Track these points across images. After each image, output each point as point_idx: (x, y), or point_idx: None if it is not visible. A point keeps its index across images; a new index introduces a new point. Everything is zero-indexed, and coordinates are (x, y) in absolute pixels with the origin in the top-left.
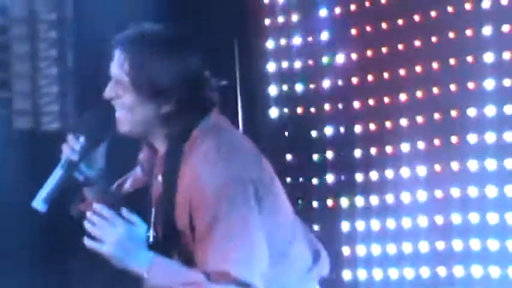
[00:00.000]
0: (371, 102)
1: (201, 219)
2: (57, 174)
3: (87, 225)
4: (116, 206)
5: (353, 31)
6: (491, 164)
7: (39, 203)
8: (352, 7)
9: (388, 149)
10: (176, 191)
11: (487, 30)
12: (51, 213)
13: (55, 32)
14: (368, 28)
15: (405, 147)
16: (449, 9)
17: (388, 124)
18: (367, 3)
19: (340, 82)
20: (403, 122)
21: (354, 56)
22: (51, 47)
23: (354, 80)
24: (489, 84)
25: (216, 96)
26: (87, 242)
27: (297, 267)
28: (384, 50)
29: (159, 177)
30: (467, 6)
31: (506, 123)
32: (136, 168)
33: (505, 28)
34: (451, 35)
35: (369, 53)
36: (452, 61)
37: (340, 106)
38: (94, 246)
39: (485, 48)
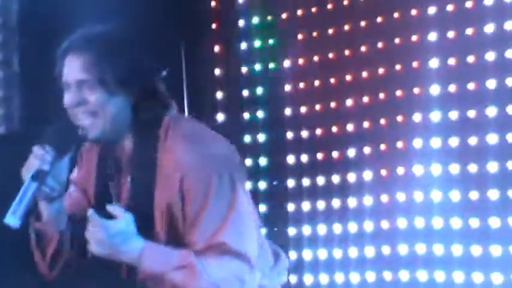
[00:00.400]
0: (317, 107)
1: (192, 199)
2: (29, 187)
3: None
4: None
5: (300, 36)
6: (436, 169)
7: (13, 219)
8: (299, 12)
9: (335, 154)
10: (155, 182)
11: (432, 36)
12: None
13: (0, 35)
14: (314, 33)
15: (351, 152)
16: (396, 15)
17: (334, 129)
18: (313, 9)
19: (287, 87)
20: (350, 127)
21: (300, 61)
22: None
23: (301, 85)
24: (434, 89)
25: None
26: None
27: (266, 261)
28: (331, 55)
29: (129, 176)
30: (413, 12)
31: (452, 129)
32: (69, 191)
33: (450, 34)
34: (397, 40)
35: (316, 58)
36: (398, 66)
37: (286, 111)
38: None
39: (431, 54)
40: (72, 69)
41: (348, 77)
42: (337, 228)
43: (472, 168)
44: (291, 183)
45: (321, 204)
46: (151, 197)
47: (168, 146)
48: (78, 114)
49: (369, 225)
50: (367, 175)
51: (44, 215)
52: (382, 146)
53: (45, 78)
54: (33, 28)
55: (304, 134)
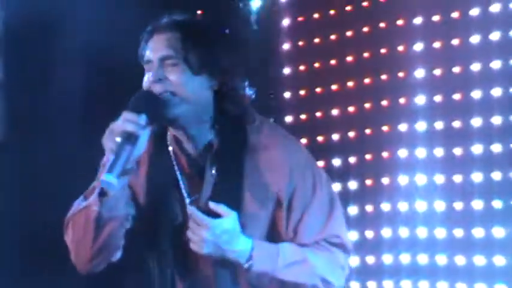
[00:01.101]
0: (303, 116)
1: (300, 195)
2: (123, 148)
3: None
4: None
5: (286, 46)
6: (421, 179)
7: (111, 177)
8: (286, 22)
9: (320, 163)
10: (244, 179)
11: (418, 46)
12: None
13: None
14: (301, 43)
15: (337, 161)
16: (382, 24)
17: (320, 139)
18: (300, 19)
19: (273, 96)
20: (335, 136)
21: (287, 71)
22: None
23: (287, 95)
24: (420, 99)
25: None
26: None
27: None
28: (317, 64)
29: (213, 169)
30: (400, 22)
31: (437, 139)
32: None
33: (436, 44)
34: (383, 50)
35: (302, 67)
36: (383, 76)
37: (272, 120)
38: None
39: (417, 64)
40: (157, 47)
41: (334, 87)
42: None
43: (457, 178)
44: None
45: None
46: (240, 194)
47: (266, 143)
48: (157, 92)
49: (353, 235)
50: (352, 185)
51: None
52: (368, 156)
53: (30, 85)
54: (19, 35)
55: None
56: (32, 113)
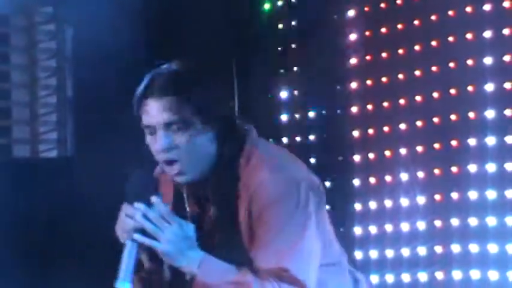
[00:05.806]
0: (370, 131)
1: (262, 220)
2: (132, 249)
3: (140, 219)
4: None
5: (353, 61)
6: (491, 194)
7: (125, 284)
8: (353, 36)
9: (387, 177)
10: (237, 210)
11: (488, 60)
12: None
13: (54, 60)
14: (368, 57)
15: (404, 176)
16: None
17: (387, 153)
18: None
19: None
20: (403, 151)
21: (353, 85)
22: (50, 75)
23: (354, 109)
24: (490, 113)
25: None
26: (139, 237)
27: (347, 281)
28: (384, 79)
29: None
30: (469, 36)
31: (507, 153)
32: None
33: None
34: (452, 64)
35: (369, 82)
36: (452, 91)
37: (339, 135)
38: (148, 243)
39: (486, 78)
40: (156, 113)
41: (402, 101)
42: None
43: None
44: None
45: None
46: (236, 222)
47: (249, 172)
48: (168, 159)
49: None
50: (420, 199)
51: (146, 264)
52: (436, 171)
53: (98, 103)
54: (87, 54)
55: (357, 158)
56: (97, 129)
